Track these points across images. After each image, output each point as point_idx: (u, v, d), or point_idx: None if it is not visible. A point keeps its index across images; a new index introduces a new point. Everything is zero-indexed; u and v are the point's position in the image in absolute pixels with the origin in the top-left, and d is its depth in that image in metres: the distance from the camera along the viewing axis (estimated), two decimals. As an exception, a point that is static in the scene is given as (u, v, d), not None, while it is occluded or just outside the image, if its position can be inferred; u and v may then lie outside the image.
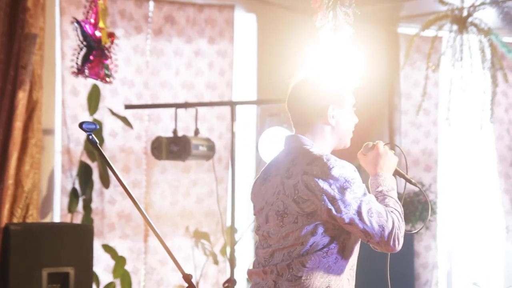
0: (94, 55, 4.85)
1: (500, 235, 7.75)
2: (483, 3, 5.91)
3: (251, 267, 2.93)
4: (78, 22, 4.82)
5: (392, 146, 3.04)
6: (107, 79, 4.97)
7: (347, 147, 2.94)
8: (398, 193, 2.93)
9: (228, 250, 6.11)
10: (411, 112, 7.37)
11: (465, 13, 5.93)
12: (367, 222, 2.71)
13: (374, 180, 2.91)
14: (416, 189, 7.47)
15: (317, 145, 2.86)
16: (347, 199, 2.71)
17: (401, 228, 2.77)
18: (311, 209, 2.73)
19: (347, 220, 2.71)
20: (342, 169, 2.73)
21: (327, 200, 2.70)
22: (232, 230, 5.43)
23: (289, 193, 2.77)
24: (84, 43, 4.85)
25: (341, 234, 2.78)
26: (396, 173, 2.98)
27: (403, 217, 2.81)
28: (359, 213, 2.71)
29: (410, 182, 3.05)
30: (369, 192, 2.82)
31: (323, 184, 2.70)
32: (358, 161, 3.02)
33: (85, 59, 4.85)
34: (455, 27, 5.95)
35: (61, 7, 5.92)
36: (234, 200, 5.37)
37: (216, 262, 6.36)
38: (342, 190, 2.71)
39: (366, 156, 2.98)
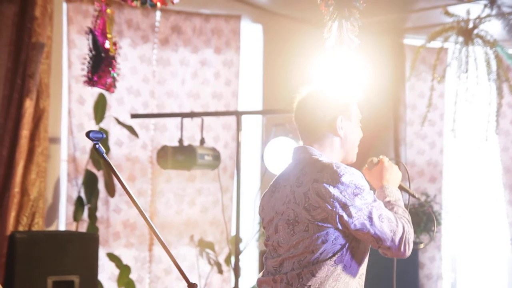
0: (105, 65, 4.87)
1: (504, 247, 7.74)
2: (489, 15, 5.92)
3: (260, 277, 2.94)
4: (91, 31, 4.84)
5: (396, 161, 3.08)
6: (113, 88, 4.99)
7: (353, 161, 2.97)
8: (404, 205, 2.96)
9: (232, 259, 6.12)
10: (416, 123, 7.38)
11: (471, 25, 5.94)
12: (379, 227, 2.75)
13: (381, 192, 2.95)
14: (421, 200, 7.48)
15: (325, 156, 2.89)
16: (358, 205, 2.73)
17: (410, 234, 2.81)
18: (322, 216, 2.75)
19: (358, 226, 2.74)
20: (352, 176, 2.76)
21: (338, 207, 2.73)
22: (237, 239, 5.43)
23: (300, 201, 2.78)
24: (93, 52, 4.86)
25: (351, 242, 2.80)
26: (400, 188, 3.02)
27: (411, 224, 2.85)
28: (370, 218, 2.74)
29: (414, 196, 3.10)
30: None
31: (334, 191, 2.73)
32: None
33: (96, 69, 4.87)
34: (461, 38, 5.96)
35: (68, 17, 5.95)
36: (239, 209, 5.38)
37: (220, 271, 6.37)
38: (353, 196, 2.73)
39: (371, 171, 3.02)
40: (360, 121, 2.99)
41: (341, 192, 2.73)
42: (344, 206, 2.73)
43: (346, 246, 2.79)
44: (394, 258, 2.95)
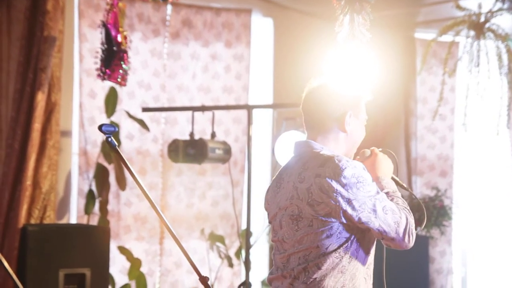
0: (117, 58, 4.87)
1: (515, 241, 7.73)
2: (500, 9, 5.91)
3: (270, 274, 2.95)
4: (104, 24, 4.85)
5: (385, 151, 3.04)
6: (124, 82, 4.99)
7: None
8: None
9: (243, 253, 6.13)
10: (427, 117, 7.36)
11: (482, 19, 5.92)
12: (383, 219, 2.74)
13: (378, 183, 2.91)
14: (431, 194, 7.47)
15: (327, 149, 2.87)
16: (361, 198, 2.73)
17: (413, 224, 2.81)
18: (325, 211, 2.75)
19: (363, 219, 2.73)
20: (354, 169, 2.75)
21: (342, 201, 2.72)
22: (247, 233, 5.44)
23: (303, 197, 2.78)
24: (106, 46, 4.87)
25: (355, 235, 2.79)
26: (391, 179, 3.00)
27: (412, 215, 2.84)
28: (374, 210, 2.74)
29: (404, 187, 3.07)
30: None
31: (337, 185, 2.72)
32: None
33: (108, 62, 4.87)
34: (472, 32, 5.94)
35: (80, 10, 5.96)
36: (250, 203, 5.39)
37: (231, 265, 6.38)
38: (356, 189, 2.73)
39: (364, 163, 2.96)
40: (365, 123, 2.96)
41: (343, 186, 2.72)
42: (348, 200, 2.72)
43: (352, 238, 2.78)
44: (384, 256, 2.94)
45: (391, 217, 2.76)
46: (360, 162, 2.99)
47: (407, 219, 2.79)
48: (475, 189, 7.73)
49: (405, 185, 3.08)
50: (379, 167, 2.96)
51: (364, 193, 2.73)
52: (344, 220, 2.75)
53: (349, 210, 2.72)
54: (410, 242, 2.79)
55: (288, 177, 2.87)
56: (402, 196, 2.93)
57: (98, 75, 4.92)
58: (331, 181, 2.72)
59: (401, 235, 2.77)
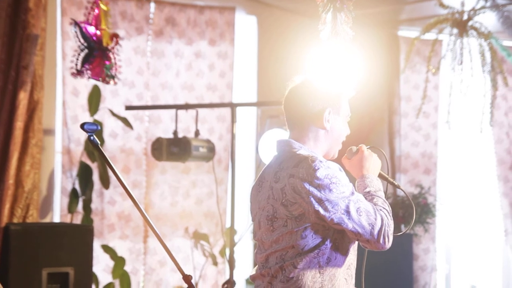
0: (95, 56, 4.85)
1: (498, 238, 7.77)
2: (483, 7, 5.93)
3: (253, 272, 2.95)
4: (76, 23, 4.82)
5: (374, 149, 3.02)
6: (110, 80, 4.96)
7: (335, 157, 2.93)
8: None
9: (227, 251, 6.12)
10: (411, 115, 7.39)
11: (465, 17, 5.95)
12: (356, 221, 2.72)
13: (361, 181, 2.91)
14: (415, 192, 7.50)
15: (307, 147, 2.86)
16: (334, 199, 2.71)
17: (390, 226, 2.78)
18: (299, 212, 2.74)
19: (336, 220, 2.72)
20: (328, 169, 2.73)
21: (314, 202, 2.71)
22: (232, 231, 5.44)
23: (278, 197, 2.78)
24: (85, 44, 4.85)
25: (333, 234, 2.78)
26: (380, 176, 2.98)
27: (391, 216, 2.82)
28: (347, 212, 2.72)
29: (393, 184, 3.06)
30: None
31: (309, 186, 2.71)
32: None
33: (85, 60, 4.85)
34: (455, 30, 5.96)
35: (62, 8, 5.93)
36: (234, 201, 5.38)
37: (215, 263, 6.38)
38: (329, 190, 2.71)
39: (351, 160, 2.97)
40: (349, 119, 2.94)
41: (316, 187, 2.70)
42: (320, 201, 2.71)
43: (328, 239, 2.77)
44: (366, 250, 2.91)
45: (366, 219, 2.73)
46: (345, 159, 3.00)
47: (382, 221, 2.76)
48: (458, 187, 7.76)
49: (395, 182, 3.07)
50: (365, 164, 2.94)
51: (337, 194, 2.71)
52: (317, 221, 2.74)
53: (322, 211, 2.71)
54: (386, 243, 2.76)
55: (268, 176, 2.87)
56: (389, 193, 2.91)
57: (72, 73, 4.90)
58: (304, 182, 2.71)
59: (375, 237, 2.74)
